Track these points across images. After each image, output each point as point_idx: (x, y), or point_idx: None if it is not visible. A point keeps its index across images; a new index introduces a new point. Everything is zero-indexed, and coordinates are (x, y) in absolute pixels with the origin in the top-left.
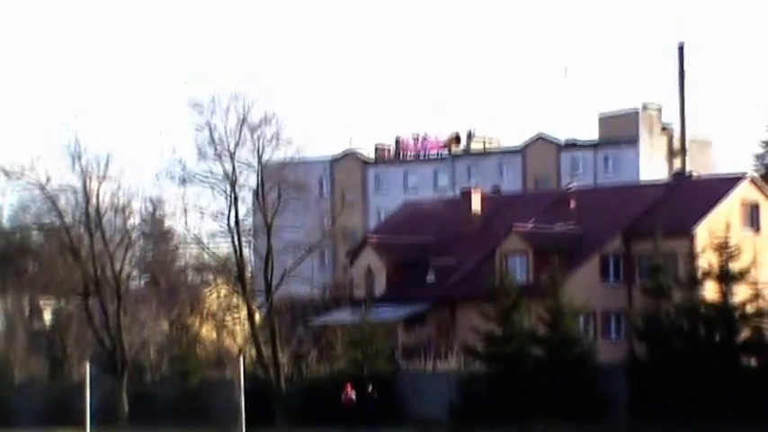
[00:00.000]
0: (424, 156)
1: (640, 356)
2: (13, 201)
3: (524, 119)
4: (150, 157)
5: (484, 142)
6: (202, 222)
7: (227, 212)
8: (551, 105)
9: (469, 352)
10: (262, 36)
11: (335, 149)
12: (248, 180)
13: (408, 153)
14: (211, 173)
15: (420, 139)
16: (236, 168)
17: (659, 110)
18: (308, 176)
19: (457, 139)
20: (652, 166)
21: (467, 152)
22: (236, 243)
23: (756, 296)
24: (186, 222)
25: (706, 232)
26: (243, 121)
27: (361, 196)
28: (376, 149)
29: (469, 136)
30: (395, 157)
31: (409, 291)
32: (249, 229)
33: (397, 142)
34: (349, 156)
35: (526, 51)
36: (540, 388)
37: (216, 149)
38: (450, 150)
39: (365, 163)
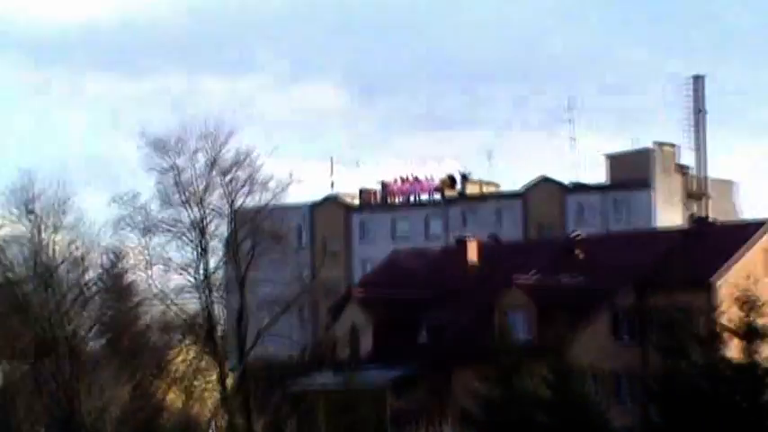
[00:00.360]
0: (415, 201)
1: (656, 422)
2: None
3: (525, 159)
4: (109, 204)
5: (480, 185)
6: (168, 276)
7: (195, 265)
8: (554, 145)
9: (467, 418)
10: (234, 69)
11: (316, 194)
12: (219, 229)
13: (396, 198)
14: (177, 221)
15: (409, 182)
16: (206, 216)
17: (675, 148)
18: (285, 224)
19: (450, 181)
20: (667, 210)
21: (461, 196)
22: (206, 299)
23: None
24: (150, 276)
25: (727, 284)
26: (213, 163)
27: (344, 245)
28: (360, 194)
29: (464, 178)
30: (381, 202)
31: (399, 351)
32: (220, 284)
33: (384, 186)
34: (331, 201)
35: (525, 85)
36: None
37: (183, 195)
38: (442, 194)
39: (349, 209)
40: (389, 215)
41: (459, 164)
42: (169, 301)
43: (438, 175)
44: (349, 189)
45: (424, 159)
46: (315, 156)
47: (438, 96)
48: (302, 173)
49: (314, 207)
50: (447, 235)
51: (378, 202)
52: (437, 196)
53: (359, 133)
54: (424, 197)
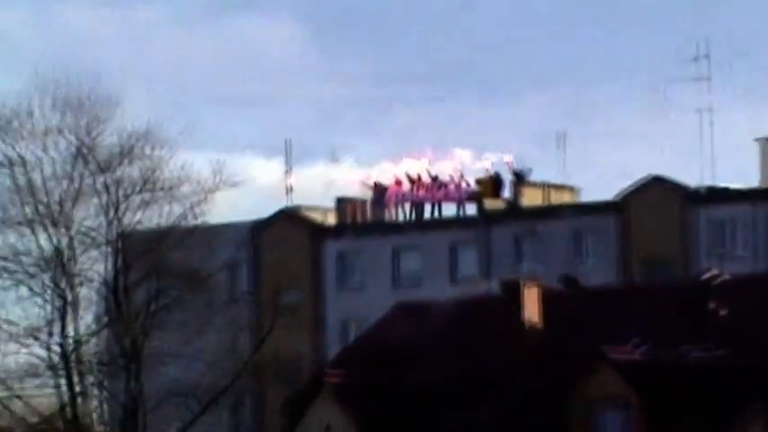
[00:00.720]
0: (433, 217)
1: None
2: None
3: (621, 147)
4: None
5: (545, 191)
6: (5, 348)
7: (51, 328)
8: (671, 122)
9: None
10: None
11: (262, 207)
12: (94, 266)
13: (400, 212)
14: (20, 252)
15: (424, 185)
16: (71, 244)
17: None
18: (210, 258)
19: (495, 184)
20: None
21: (513, 209)
22: (71, 386)
23: None
24: None
25: None
26: (83, 152)
27: (310, 295)
28: (339, 206)
29: (519, 179)
30: (375, 220)
31: None
32: (96, 360)
33: (379, 192)
34: (287, 219)
35: (617, 24)
36: None
37: (30, 208)
38: (481, 207)
39: (318, 232)
40: (389, 242)
41: (509, 155)
42: (7, 392)
43: (473, 174)
44: (319, 198)
45: (447, 146)
46: (259, 142)
47: (470, 43)
48: (238, 170)
49: (259, 229)
50: (488, 275)
51: (369, 221)
52: (471, 209)
53: (335, 103)
54: (450, 210)
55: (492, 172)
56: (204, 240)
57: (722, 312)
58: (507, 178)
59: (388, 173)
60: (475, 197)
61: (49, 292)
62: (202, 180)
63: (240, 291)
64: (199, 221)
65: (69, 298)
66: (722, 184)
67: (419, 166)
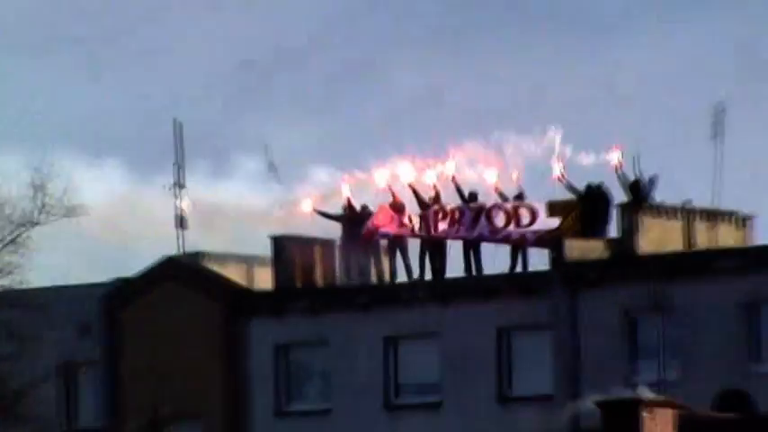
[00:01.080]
0: (468, 270)
1: None
2: None
3: None
4: None
5: (690, 221)
6: None
7: None
8: None
9: None
10: None
11: (128, 255)
12: None
13: (397, 259)
14: None
15: (443, 210)
16: None
17: None
18: (24, 358)
19: (585, 208)
20: None
21: (623, 258)
22: None
23: None
24: None
25: None
26: None
27: (223, 422)
28: (277, 251)
29: (636, 197)
30: (348, 277)
31: None
32: None
33: (355, 223)
34: (178, 276)
35: None
36: None
37: None
38: (560, 253)
39: (239, 303)
40: (378, 324)
41: (615, 151)
42: None
43: (540, 190)
44: (222, 238)
45: (455, 139)
46: (116, 134)
47: None
48: (79, 185)
49: (120, 298)
50: (574, 389)
51: (336, 283)
52: (541, 259)
53: (239, 66)
54: (498, 262)
55: (573, 185)
56: (13, 322)
57: None
58: (613, 197)
59: (377, 183)
60: (547, 238)
61: None
62: (12, 203)
63: (82, 421)
64: (6, 283)
65: None
66: None
67: (430, 174)
